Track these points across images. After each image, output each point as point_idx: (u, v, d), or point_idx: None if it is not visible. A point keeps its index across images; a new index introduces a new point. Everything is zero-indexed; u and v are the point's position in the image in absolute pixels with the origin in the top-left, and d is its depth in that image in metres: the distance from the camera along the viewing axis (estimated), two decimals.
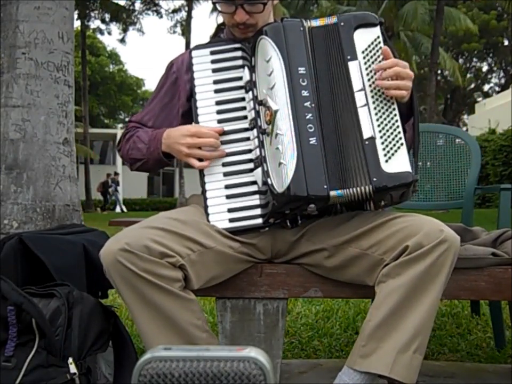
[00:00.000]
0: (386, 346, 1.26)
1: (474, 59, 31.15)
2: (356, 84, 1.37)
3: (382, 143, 1.34)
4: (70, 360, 1.42)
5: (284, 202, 1.34)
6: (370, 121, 1.35)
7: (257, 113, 1.42)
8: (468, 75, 30.51)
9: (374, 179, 1.31)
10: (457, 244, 1.31)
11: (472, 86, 32.04)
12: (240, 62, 1.50)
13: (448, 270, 1.29)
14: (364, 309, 2.79)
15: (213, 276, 1.40)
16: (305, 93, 1.36)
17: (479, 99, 29.63)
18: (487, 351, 2.26)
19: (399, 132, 1.35)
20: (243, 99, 1.47)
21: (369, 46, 1.40)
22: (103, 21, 24.30)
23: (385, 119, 1.36)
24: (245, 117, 1.46)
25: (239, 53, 1.51)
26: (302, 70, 1.37)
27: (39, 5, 2.27)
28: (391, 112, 1.36)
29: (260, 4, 1.45)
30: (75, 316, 1.46)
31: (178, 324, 1.30)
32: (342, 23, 1.41)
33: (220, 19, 1.60)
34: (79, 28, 21.47)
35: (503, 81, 32.04)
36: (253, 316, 1.50)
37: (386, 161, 1.32)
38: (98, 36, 29.12)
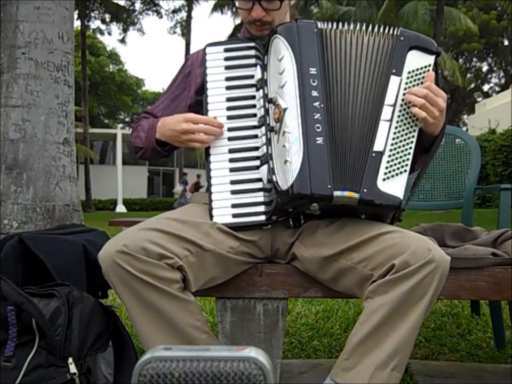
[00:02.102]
0: (366, 362, 1.25)
1: (474, 59, 31.15)
2: (389, 98, 1.38)
3: (388, 161, 1.34)
4: (70, 360, 1.42)
5: (288, 200, 1.34)
6: (386, 137, 1.35)
7: (267, 111, 1.43)
8: (468, 75, 30.51)
9: (364, 190, 1.32)
10: (446, 264, 1.28)
11: (472, 86, 32.04)
12: (253, 61, 1.51)
13: (434, 290, 1.27)
14: None
15: (212, 278, 1.40)
16: (314, 93, 1.36)
17: (479, 99, 29.63)
18: (487, 351, 2.26)
19: (407, 159, 1.36)
20: (254, 97, 1.48)
21: (417, 69, 1.41)
22: (103, 21, 24.33)
23: (401, 141, 1.36)
24: (254, 115, 1.47)
25: (252, 52, 1.52)
26: (313, 70, 1.38)
27: (39, 5, 2.27)
28: (409, 138, 1.37)
29: (277, 1, 1.46)
30: (75, 316, 1.46)
31: (177, 325, 1.30)
32: (402, 38, 1.42)
33: (237, 21, 1.62)
34: (79, 28, 21.48)
35: (503, 81, 32.04)
36: (253, 316, 1.50)
37: (384, 179, 1.33)
38: (98, 36, 29.14)
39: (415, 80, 1.40)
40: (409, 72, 1.40)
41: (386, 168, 1.34)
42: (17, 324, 1.42)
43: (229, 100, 1.48)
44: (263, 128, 1.43)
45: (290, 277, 1.49)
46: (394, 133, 1.36)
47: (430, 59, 1.42)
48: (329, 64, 1.41)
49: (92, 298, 1.54)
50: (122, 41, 26.44)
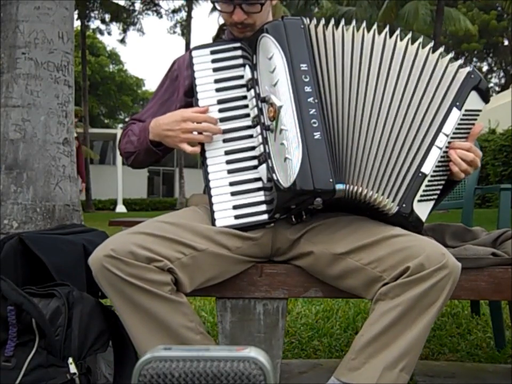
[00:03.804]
0: (374, 362, 1.26)
1: (474, 59, 31.15)
2: (447, 127, 1.42)
3: (426, 185, 1.40)
4: (70, 360, 1.42)
5: (291, 196, 1.34)
6: (434, 162, 1.40)
7: (260, 110, 1.43)
8: None
9: (404, 205, 1.37)
10: (458, 271, 1.30)
11: None
12: (240, 61, 1.51)
13: (446, 296, 1.28)
14: (364, 309, 2.79)
15: (209, 278, 1.40)
16: (308, 89, 1.37)
17: None
18: (487, 351, 2.26)
19: (439, 189, 1.42)
20: (245, 97, 1.48)
21: (472, 110, 1.45)
22: (103, 21, 24.32)
23: (440, 170, 1.42)
24: (247, 115, 1.47)
25: (239, 52, 1.52)
26: (304, 66, 1.38)
27: (39, 5, 2.27)
28: (446, 170, 1.43)
29: (258, 4, 1.46)
30: (75, 316, 1.45)
31: (170, 327, 1.30)
32: (472, 76, 1.45)
33: (222, 20, 1.61)
34: (79, 28, 21.47)
35: (503, 81, 32.05)
36: (253, 316, 1.50)
37: (419, 201, 1.39)
38: (98, 36, 29.13)
39: (467, 120, 1.45)
40: (466, 110, 1.44)
41: (424, 191, 1.39)
42: (17, 324, 1.42)
43: (220, 102, 1.48)
44: (258, 128, 1.43)
45: (290, 277, 1.49)
46: (439, 161, 1.41)
47: (482, 105, 1.47)
48: (318, 59, 1.41)
49: (91, 298, 1.54)
50: (122, 41, 26.44)
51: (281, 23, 1.42)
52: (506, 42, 28.78)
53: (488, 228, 1.93)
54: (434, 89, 1.43)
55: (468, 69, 1.45)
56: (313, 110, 1.35)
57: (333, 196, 1.33)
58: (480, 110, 1.46)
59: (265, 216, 1.43)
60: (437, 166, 1.41)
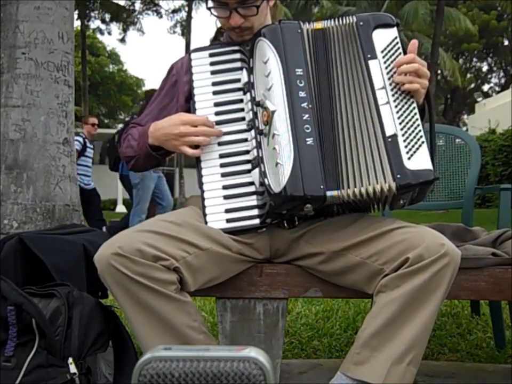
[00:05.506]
0: (380, 356, 1.26)
1: (474, 59, 31.14)
2: (377, 82, 1.38)
3: (404, 140, 1.33)
4: (70, 360, 1.42)
5: (281, 202, 1.34)
6: (392, 118, 1.35)
7: (255, 114, 1.43)
8: (468, 75, 30.51)
9: (398, 176, 1.30)
10: (458, 259, 1.30)
11: (472, 86, 32.04)
12: (238, 64, 1.51)
13: (447, 284, 1.29)
14: (364, 309, 2.79)
15: (211, 277, 1.40)
16: (302, 94, 1.36)
17: (479, 99, 29.61)
18: (487, 351, 2.26)
19: (419, 130, 1.35)
20: (241, 101, 1.48)
21: (387, 45, 1.41)
22: (103, 21, 24.30)
23: (406, 117, 1.36)
24: (243, 119, 1.47)
25: (237, 55, 1.52)
26: (299, 71, 1.38)
27: (39, 5, 2.27)
28: (411, 111, 1.37)
29: (254, 7, 1.46)
30: (75, 316, 1.46)
31: (174, 326, 1.30)
32: (361, 23, 1.42)
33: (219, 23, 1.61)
34: (79, 28, 21.46)
35: (503, 81, 32.04)
36: (253, 316, 1.50)
37: (409, 158, 1.32)
38: (98, 36, 29.11)
39: (390, 56, 1.40)
40: (382, 52, 1.40)
41: (406, 147, 1.33)
42: (17, 324, 1.42)
43: (216, 104, 1.48)
44: (253, 132, 1.43)
45: (290, 277, 1.49)
46: (397, 112, 1.36)
47: (394, 31, 1.43)
48: (314, 63, 1.41)
49: (91, 298, 1.54)
50: (122, 41, 26.37)
51: (277, 27, 1.42)
52: (506, 42, 28.76)
53: (488, 228, 1.94)
54: (350, 62, 1.40)
55: (354, 20, 1.43)
56: (307, 116, 1.34)
57: (323, 202, 1.32)
58: (395, 37, 1.42)
59: (256, 221, 1.42)
60: (399, 118, 1.34)
